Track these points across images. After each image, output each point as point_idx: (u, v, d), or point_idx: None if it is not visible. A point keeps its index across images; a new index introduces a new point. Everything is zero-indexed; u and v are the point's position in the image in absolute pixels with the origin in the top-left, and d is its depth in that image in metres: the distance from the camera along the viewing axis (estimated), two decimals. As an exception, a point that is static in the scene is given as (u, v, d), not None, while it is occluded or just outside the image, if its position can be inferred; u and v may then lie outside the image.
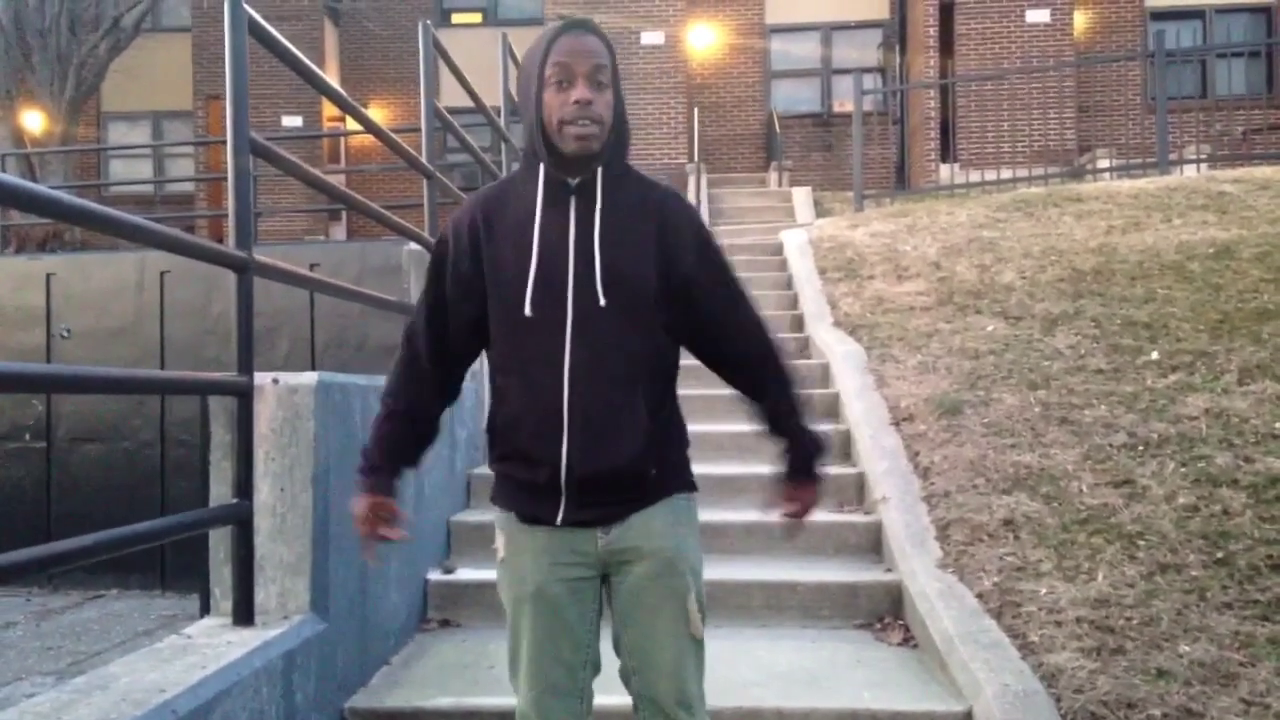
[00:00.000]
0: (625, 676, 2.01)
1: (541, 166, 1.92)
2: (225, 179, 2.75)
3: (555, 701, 1.94)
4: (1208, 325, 5.31)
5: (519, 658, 1.97)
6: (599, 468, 1.90)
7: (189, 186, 17.62)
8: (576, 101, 1.84)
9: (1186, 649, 3.01)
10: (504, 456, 1.98)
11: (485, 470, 4.96)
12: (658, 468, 1.97)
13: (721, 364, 2.10)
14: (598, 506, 1.93)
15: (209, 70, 16.73)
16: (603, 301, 1.88)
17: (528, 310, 1.88)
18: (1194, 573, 3.41)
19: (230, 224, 2.75)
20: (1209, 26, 16.26)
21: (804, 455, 2.10)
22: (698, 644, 2.00)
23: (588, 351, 1.88)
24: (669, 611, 1.96)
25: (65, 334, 7.91)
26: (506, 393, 1.95)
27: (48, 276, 8.03)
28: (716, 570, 3.71)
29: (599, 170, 1.92)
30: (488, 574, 4.02)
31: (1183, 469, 4.04)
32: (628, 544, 1.95)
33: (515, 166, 7.23)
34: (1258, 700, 2.77)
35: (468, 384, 4.86)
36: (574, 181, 1.92)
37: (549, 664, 1.93)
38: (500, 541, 2.02)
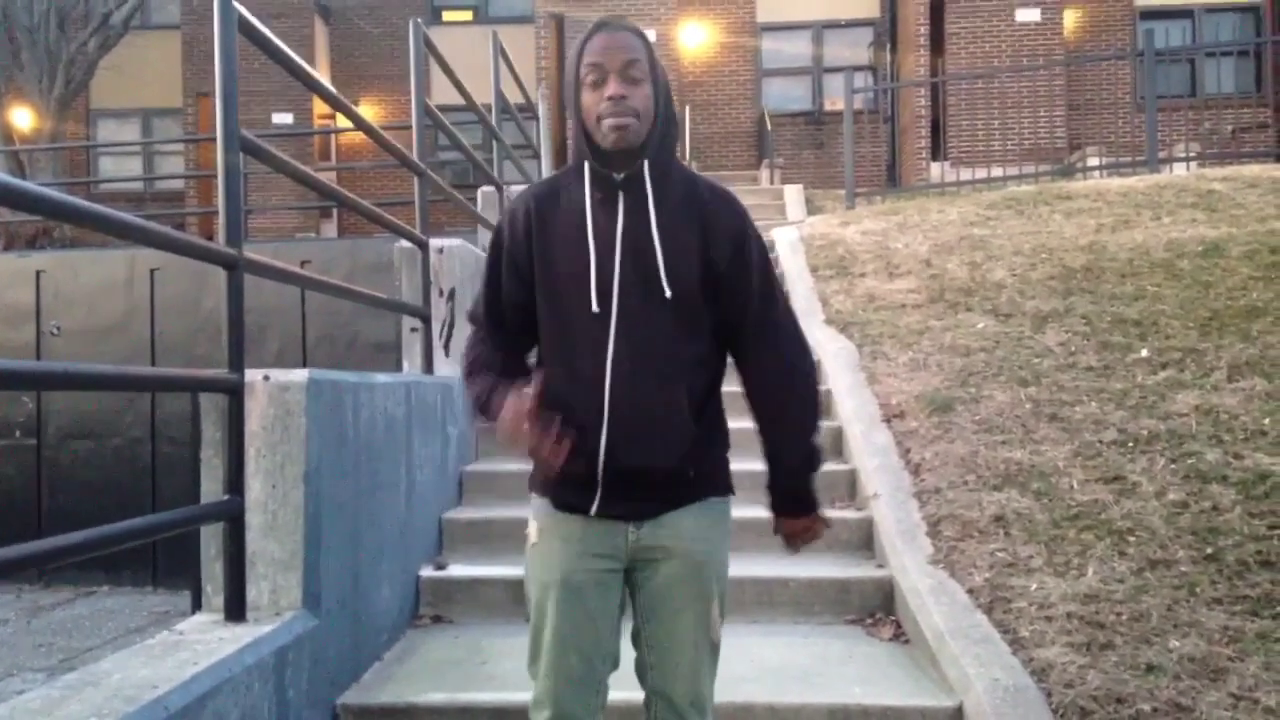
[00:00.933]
0: (641, 670, 2.02)
1: (587, 164, 1.94)
2: (215, 176, 2.74)
3: (571, 691, 1.94)
4: (1197, 323, 5.34)
5: (540, 645, 1.97)
6: (637, 463, 1.91)
7: (179, 184, 17.57)
8: (610, 97, 1.86)
9: (1176, 644, 3.03)
10: None
11: (477, 468, 4.98)
12: (696, 469, 1.98)
13: (746, 375, 2.07)
14: (632, 501, 1.94)
15: (199, 67, 16.66)
16: (668, 293, 1.90)
17: (576, 303, 1.91)
18: (1183, 569, 3.43)
19: (220, 221, 2.75)
20: (1198, 26, 16.32)
21: (781, 488, 2.14)
22: (714, 647, 2.03)
23: (632, 347, 1.90)
24: (692, 614, 1.98)
25: (55, 331, 7.89)
26: (549, 382, 1.95)
27: (37, 274, 8.00)
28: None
29: (645, 165, 1.93)
30: (480, 570, 4.02)
31: (1172, 465, 4.06)
32: (658, 542, 1.96)
33: (508, 164, 7.15)
34: (1246, 695, 2.79)
35: (460, 382, 4.87)
36: (619, 177, 1.93)
37: (569, 653, 1.94)
38: (532, 528, 2.03)
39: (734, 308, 2.00)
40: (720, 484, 2.06)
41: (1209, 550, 3.50)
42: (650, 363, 1.90)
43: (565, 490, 1.97)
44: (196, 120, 17.01)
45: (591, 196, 1.94)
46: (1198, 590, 3.30)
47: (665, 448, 1.92)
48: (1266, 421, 4.24)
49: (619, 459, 1.90)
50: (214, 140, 2.77)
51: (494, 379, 1.95)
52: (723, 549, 2.04)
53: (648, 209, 1.92)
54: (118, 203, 15.79)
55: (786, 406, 2.06)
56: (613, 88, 1.87)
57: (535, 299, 1.98)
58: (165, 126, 18.38)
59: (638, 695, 2.05)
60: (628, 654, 2.02)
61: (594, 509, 1.94)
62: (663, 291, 1.90)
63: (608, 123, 1.87)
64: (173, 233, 2.54)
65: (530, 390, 1.78)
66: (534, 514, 2.04)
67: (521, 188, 7.24)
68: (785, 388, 2.05)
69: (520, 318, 2.01)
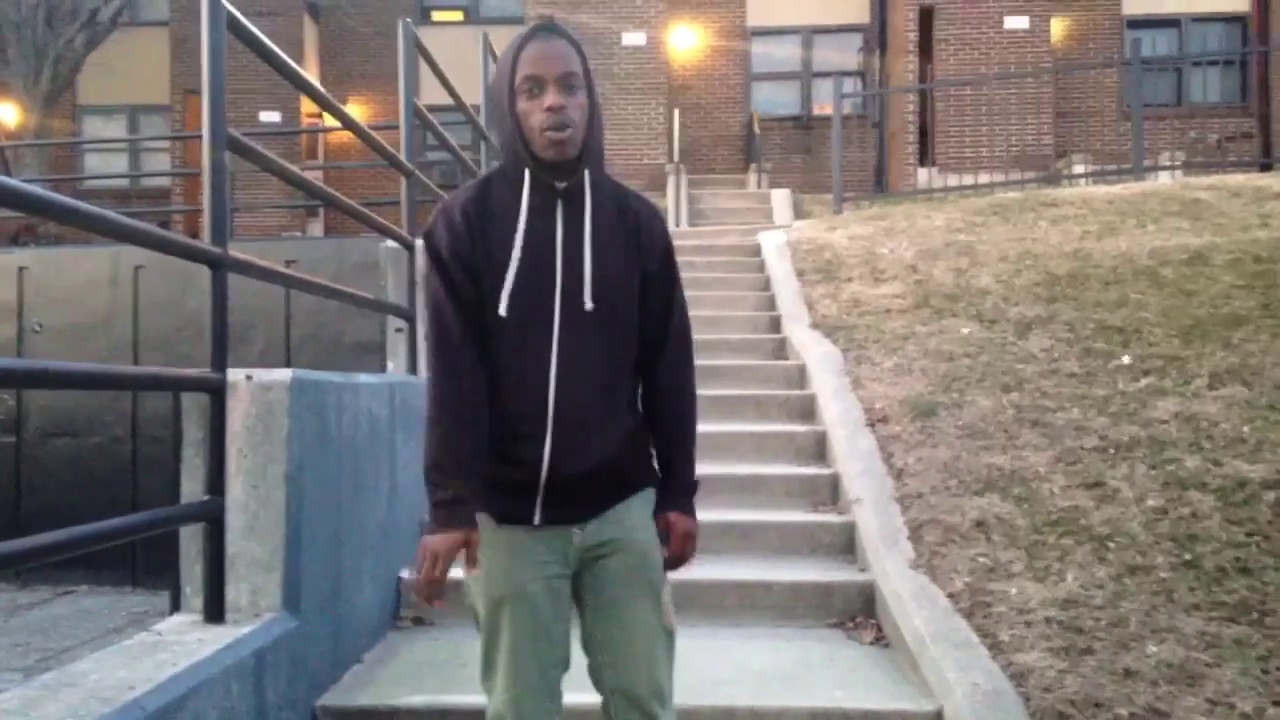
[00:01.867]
0: (595, 673, 2.01)
1: (526, 171, 1.92)
2: (201, 174, 2.73)
3: (531, 701, 1.93)
4: (1179, 330, 5.37)
5: (495, 659, 1.95)
6: (581, 468, 1.91)
7: (165, 181, 17.48)
8: (549, 109, 1.85)
9: (1154, 649, 3.04)
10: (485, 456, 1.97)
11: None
12: (633, 462, 2.01)
13: (651, 384, 2.08)
14: (575, 505, 1.94)
15: (187, 65, 16.60)
16: (590, 306, 1.90)
17: (510, 312, 1.89)
18: (1162, 574, 3.45)
19: (205, 219, 2.74)
20: (1184, 35, 16.42)
21: (680, 487, 2.08)
22: (669, 636, 2.02)
23: (574, 356, 1.90)
24: (644, 604, 1.98)
25: (37, 328, 7.84)
26: (492, 393, 1.93)
27: (20, 270, 7.95)
28: (691, 570, 3.69)
29: (585, 175, 1.93)
30: (461, 572, 4.00)
31: (1153, 472, 4.08)
32: (605, 537, 1.97)
33: (495, 164, 7.18)
34: (1223, 700, 2.80)
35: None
36: (561, 185, 1.92)
37: (526, 664, 1.93)
38: None
39: (654, 318, 2.02)
40: (651, 474, 2.08)
41: (1188, 556, 3.52)
42: (590, 372, 1.91)
43: (506, 501, 1.94)
44: (184, 118, 16.95)
45: (529, 203, 1.92)
46: (1176, 596, 3.32)
47: (607, 449, 1.94)
48: (1246, 429, 4.27)
49: (562, 468, 1.90)
50: (200, 138, 2.77)
51: (461, 462, 1.87)
52: (656, 537, 2.05)
53: (584, 220, 1.93)
54: (103, 200, 15.69)
55: (685, 420, 2.09)
56: (551, 98, 1.85)
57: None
58: (152, 124, 18.30)
59: (588, 698, 2.04)
60: (578, 656, 2.02)
61: (537, 518, 1.93)
62: (586, 303, 1.90)
63: (548, 135, 1.85)
64: (156, 230, 2.53)
65: (474, 535, 1.89)
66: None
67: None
68: (687, 403, 2.09)
69: (478, 324, 1.93)
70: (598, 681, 2.01)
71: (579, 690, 2.08)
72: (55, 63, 14.67)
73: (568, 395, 1.89)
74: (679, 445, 2.08)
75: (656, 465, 2.09)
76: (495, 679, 1.96)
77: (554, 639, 1.96)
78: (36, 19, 14.44)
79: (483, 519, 1.97)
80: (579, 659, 2.02)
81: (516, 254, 1.90)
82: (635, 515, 2.00)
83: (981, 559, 3.70)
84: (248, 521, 2.81)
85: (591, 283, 1.91)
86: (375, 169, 15.43)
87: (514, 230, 1.91)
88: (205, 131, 2.73)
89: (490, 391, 1.92)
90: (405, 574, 3.98)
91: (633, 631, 1.97)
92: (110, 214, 2.27)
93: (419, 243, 4.95)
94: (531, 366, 1.90)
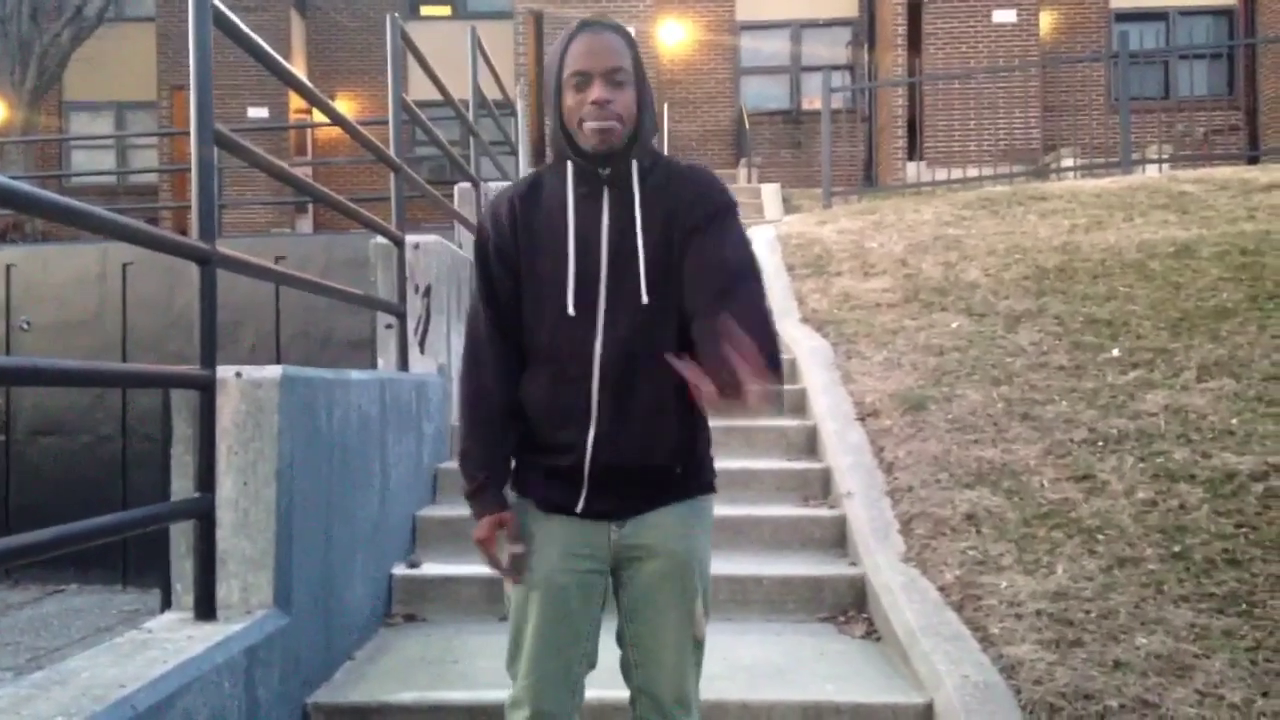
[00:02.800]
0: (626, 668, 2.02)
1: (570, 162, 1.92)
2: (189, 170, 2.72)
3: (550, 691, 1.94)
4: (1168, 323, 5.39)
5: (520, 645, 1.97)
6: (625, 461, 1.91)
7: (153, 178, 17.42)
8: (594, 102, 1.84)
9: (1143, 641, 3.06)
10: (530, 443, 1.98)
11: (451, 465, 4.96)
12: (682, 466, 1.98)
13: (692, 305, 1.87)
14: (618, 498, 1.94)
15: (173, 60, 16.53)
16: (646, 300, 1.89)
17: (560, 302, 1.89)
18: (1151, 566, 3.47)
19: (193, 216, 2.73)
20: (1172, 28, 16.48)
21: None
22: (699, 645, 2.03)
23: (619, 344, 1.89)
24: (677, 613, 1.97)
25: (25, 326, 7.80)
26: (536, 381, 1.95)
27: (7, 268, 7.91)
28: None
29: (634, 165, 1.91)
30: (453, 569, 4.01)
31: (1142, 464, 4.10)
32: (640, 540, 1.96)
33: (486, 161, 7.09)
34: (1212, 691, 2.82)
35: (435, 378, 4.85)
36: (605, 172, 1.91)
37: (550, 654, 1.94)
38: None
39: (696, 245, 1.89)
40: (705, 482, 2.05)
41: (1176, 548, 3.54)
42: (638, 362, 1.89)
43: (551, 489, 1.96)
44: (171, 114, 16.88)
45: (575, 193, 1.92)
46: (1165, 588, 3.34)
47: (652, 447, 1.92)
48: (1234, 421, 4.29)
49: (606, 457, 1.90)
50: (188, 134, 2.76)
51: (481, 454, 1.97)
52: (705, 546, 2.03)
53: (634, 210, 1.90)
54: (90, 196, 15.57)
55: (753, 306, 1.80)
56: (597, 92, 1.84)
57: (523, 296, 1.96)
58: (139, 120, 18.24)
59: (610, 693, 2.05)
60: (605, 654, 2.02)
61: (580, 507, 1.94)
62: (642, 297, 1.88)
63: (590, 125, 1.85)
64: (144, 227, 2.52)
65: (501, 514, 1.94)
66: (515, 514, 2.01)
67: (500, 184, 7.22)
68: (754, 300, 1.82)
69: (516, 318, 1.97)
70: (627, 676, 2.03)
71: (603, 686, 2.08)
72: (41, 58, 14.61)
73: (612, 386, 1.89)
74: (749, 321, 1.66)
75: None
76: (519, 664, 1.97)
77: (580, 632, 1.96)
78: (21, 14, 14.37)
79: (523, 505, 2.00)
80: (606, 661, 2.02)
81: (571, 251, 1.89)
82: (676, 523, 1.98)
83: (972, 552, 3.71)
84: (238, 519, 2.80)
85: (646, 277, 1.89)
86: (364, 165, 15.41)
87: (563, 224, 1.91)
88: (193, 127, 2.72)
89: (532, 380, 1.94)
90: (397, 570, 3.98)
91: (662, 638, 1.98)
92: (98, 210, 2.26)
93: (416, 239, 4.96)
94: (575, 356, 1.90)
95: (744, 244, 1.91)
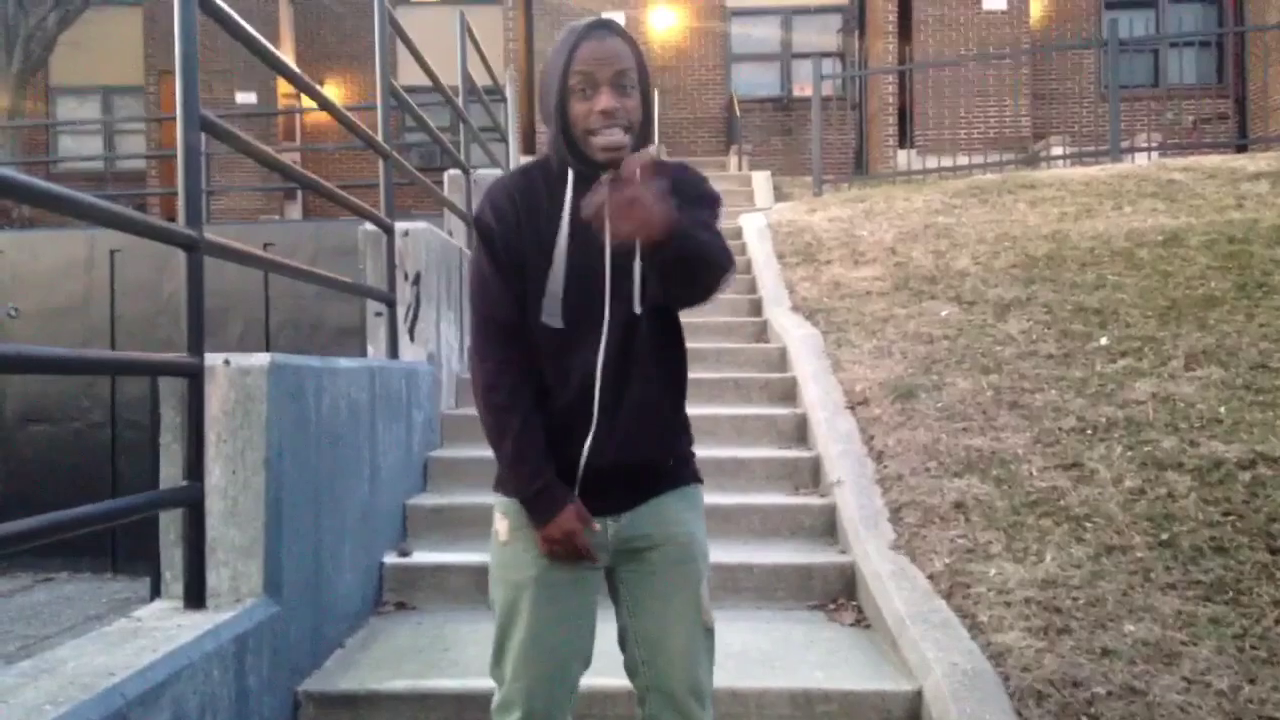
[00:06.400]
0: (632, 669, 1.99)
1: (572, 171, 1.88)
2: (176, 156, 2.70)
3: (544, 691, 1.91)
4: (1156, 311, 5.41)
5: (509, 645, 1.93)
6: (617, 460, 1.90)
7: (141, 163, 17.31)
8: (602, 111, 1.80)
9: (1131, 629, 3.08)
10: None
11: (442, 454, 4.96)
12: (674, 458, 1.99)
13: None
14: (613, 496, 1.93)
15: (160, 45, 16.42)
16: (639, 310, 1.88)
17: (561, 313, 1.86)
18: (1139, 554, 3.48)
19: (180, 202, 2.71)
20: (1161, 16, 16.48)
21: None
22: (709, 633, 1.99)
23: (621, 350, 1.88)
24: (682, 598, 1.95)
25: (12, 313, 7.76)
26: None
27: (-7, 254, 7.86)
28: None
29: None
30: (444, 557, 4.01)
31: (1130, 453, 4.12)
32: (640, 530, 1.95)
33: (476, 147, 7.03)
34: (1199, 678, 2.84)
35: (425, 366, 4.84)
36: (606, 177, 1.87)
37: (544, 654, 1.91)
38: (502, 525, 1.97)
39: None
40: (693, 471, 2.05)
41: (1164, 536, 3.56)
42: (637, 364, 1.89)
43: None
44: (158, 98, 16.77)
45: (574, 203, 1.88)
46: (1153, 576, 3.36)
47: (648, 443, 1.92)
48: (1222, 409, 4.31)
49: (603, 458, 1.89)
50: (174, 119, 2.73)
51: (541, 461, 1.87)
52: (703, 531, 2.02)
53: None
54: (77, 182, 15.51)
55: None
56: (604, 100, 1.80)
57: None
58: (126, 104, 18.11)
59: (602, 681, 2.03)
60: (599, 652, 2.01)
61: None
62: (635, 307, 1.87)
63: (599, 141, 1.81)
64: (131, 213, 2.50)
65: (579, 507, 1.88)
66: (503, 511, 1.98)
67: (490, 171, 7.18)
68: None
69: (523, 316, 1.92)
70: (634, 677, 1.99)
71: (598, 674, 2.07)
72: (27, 42, 14.48)
73: (613, 389, 1.88)
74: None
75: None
76: (506, 666, 1.94)
77: (576, 631, 1.95)
78: (7, -2, 14.25)
79: (513, 504, 1.94)
80: (599, 659, 2.01)
81: (561, 261, 1.86)
82: (674, 509, 1.97)
83: (961, 540, 3.72)
84: (227, 507, 2.79)
85: (640, 284, 1.87)
86: (353, 151, 15.35)
87: (557, 231, 1.87)
88: (179, 112, 2.70)
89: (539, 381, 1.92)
90: (387, 558, 3.98)
91: (672, 628, 1.94)
92: (84, 197, 2.24)
93: (406, 226, 4.94)
94: (580, 361, 1.88)
95: (716, 227, 1.91)
